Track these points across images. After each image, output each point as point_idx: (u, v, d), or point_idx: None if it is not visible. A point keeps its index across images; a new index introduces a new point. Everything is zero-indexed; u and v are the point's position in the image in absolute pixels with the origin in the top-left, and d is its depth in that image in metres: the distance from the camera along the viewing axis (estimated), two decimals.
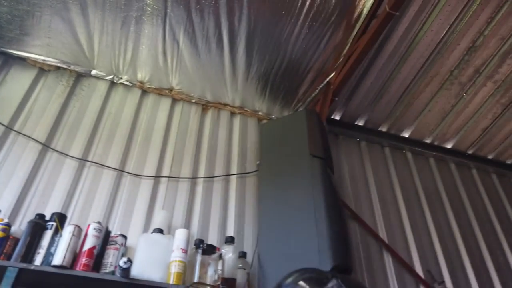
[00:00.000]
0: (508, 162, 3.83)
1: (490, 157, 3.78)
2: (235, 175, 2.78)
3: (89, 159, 2.49)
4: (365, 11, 2.68)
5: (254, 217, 2.59)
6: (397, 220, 3.00)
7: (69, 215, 2.12)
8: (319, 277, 0.80)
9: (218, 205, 2.58)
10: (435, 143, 3.65)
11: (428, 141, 3.64)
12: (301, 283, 0.82)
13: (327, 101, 3.04)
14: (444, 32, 2.82)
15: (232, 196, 2.68)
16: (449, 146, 3.68)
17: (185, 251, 2.04)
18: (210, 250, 2.15)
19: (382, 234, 2.84)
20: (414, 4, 2.65)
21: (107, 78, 2.95)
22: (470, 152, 3.72)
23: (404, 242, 2.87)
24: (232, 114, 3.21)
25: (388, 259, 2.72)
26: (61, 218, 1.93)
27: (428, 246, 2.92)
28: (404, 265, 2.71)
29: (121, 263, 1.76)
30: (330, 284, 0.78)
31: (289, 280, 0.84)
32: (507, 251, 3.14)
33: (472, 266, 2.90)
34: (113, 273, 1.84)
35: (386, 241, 2.79)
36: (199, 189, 2.62)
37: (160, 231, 2.09)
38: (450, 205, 3.25)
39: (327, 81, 3.08)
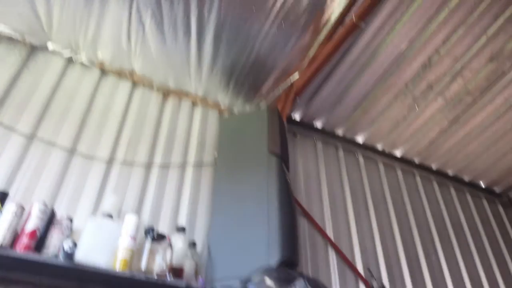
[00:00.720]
0: (449, 173, 4.12)
1: (433, 167, 4.05)
2: (191, 166, 2.77)
3: (39, 135, 2.37)
4: (332, 19, 2.76)
5: (207, 208, 2.61)
6: (344, 219, 3.14)
7: (11, 193, 2.01)
8: (287, 277, 0.80)
9: (172, 194, 2.56)
10: (386, 150, 3.85)
11: (379, 147, 3.82)
12: (268, 282, 0.81)
13: (289, 100, 3.11)
14: (404, 46, 2.97)
15: (187, 186, 2.67)
16: (398, 153, 3.89)
17: (133, 238, 2.02)
18: (159, 238, 2.14)
19: (329, 232, 2.97)
20: (378, 16, 2.77)
21: (64, 54, 2.82)
22: (416, 161, 3.96)
23: (348, 241, 3.02)
24: (194, 104, 3.19)
25: (332, 256, 2.85)
26: (2, 196, 1.83)
27: (370, 246, 3.09)
28: (346, 262, 2.85)
29: (65, 246, 1.71)
30: (297, 284, 0.78)
31: (256, 279, 0.82)
32: (440, 254, 3.39)
33: (408, 266, 3.11)
34: (56, 256, 1.78)
35: (332, 239, 2.92)
36: (153, 176, 2.58)
37: (109, 215, 2.05)
38: (393, 209, 3.46)
39: (291, 82, 3.14)
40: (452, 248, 3.53)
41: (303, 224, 2.90)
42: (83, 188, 2.29)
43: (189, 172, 2.75)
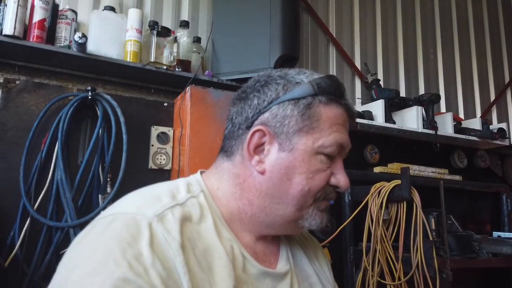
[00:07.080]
0: None
1: None
2: None
3: None
4: None
5: (209, 4, 2.55)
6: (349, 17, 3.09)
7: None
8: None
9: None
10: None
11: None
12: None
13: None
14: None
15: None
16: None
17: (139, 31, 2.07)
18: (165, 32, 2.19)
19: (332, 29, 2.97)
20: None
21: None
22: None
23: (350, 37, 3.06)
24: None
25: (332, 52, 2.96)
26: None
27: (371, 43, 3.15)
28: (345, 58, 2.97)
29: (76, 37, 1.77)
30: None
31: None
32: (438, 51, 3.48)
33: (404, 63, 3.24)
34: (68, 47, 1.87)
35: (334, 36, 2.96)
36: None
37: (111, 8, 2.04)
38: (401, 3, 3.34)
39: None
40: (452, 44, 3.58)
41: (306, 20, 2.89)
42: None
43: None
